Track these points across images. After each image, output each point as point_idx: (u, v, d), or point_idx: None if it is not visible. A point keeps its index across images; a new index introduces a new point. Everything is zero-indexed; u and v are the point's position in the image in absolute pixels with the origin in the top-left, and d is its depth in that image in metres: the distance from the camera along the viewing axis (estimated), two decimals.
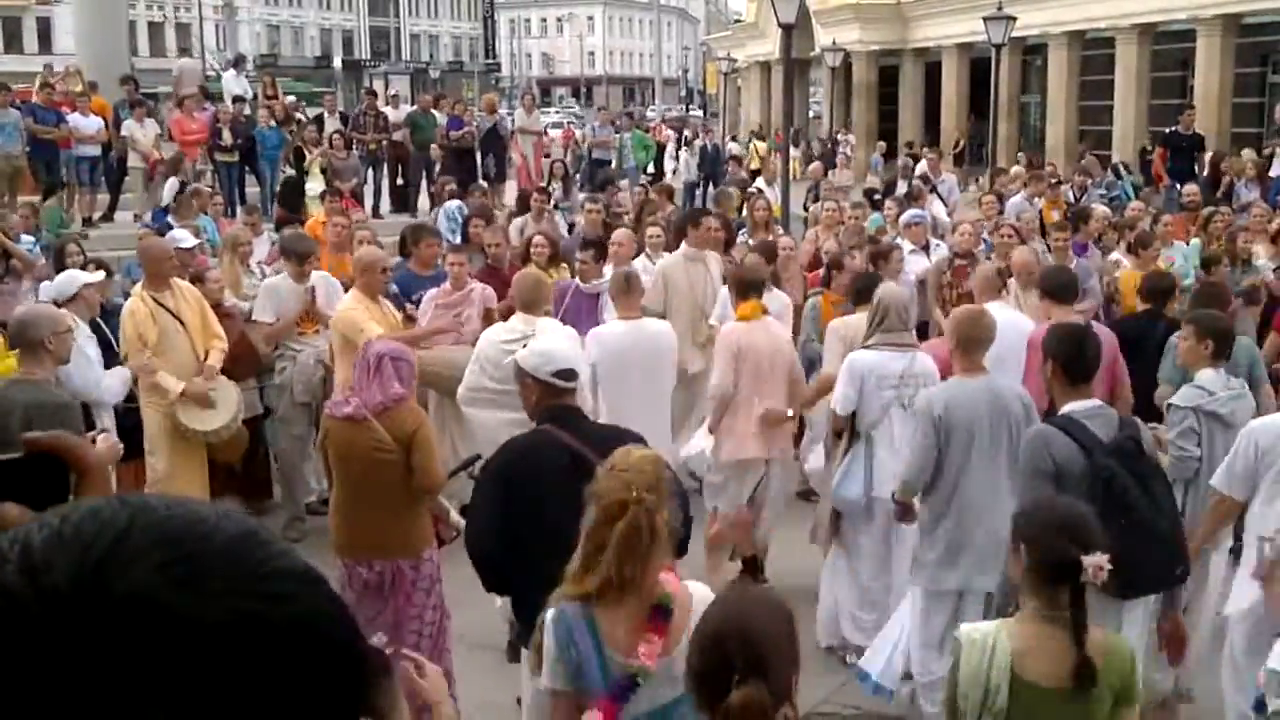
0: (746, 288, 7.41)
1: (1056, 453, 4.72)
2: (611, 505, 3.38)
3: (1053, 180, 16.27)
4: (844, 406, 6.41)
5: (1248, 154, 17.82)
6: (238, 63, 24.91)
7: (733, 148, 28.56)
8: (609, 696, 3.39)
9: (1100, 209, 13.12)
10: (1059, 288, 7.11)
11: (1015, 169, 19.86)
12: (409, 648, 4.68)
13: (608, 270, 8.91)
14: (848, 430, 6.48)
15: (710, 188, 22.63)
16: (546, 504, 4.22)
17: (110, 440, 5.19)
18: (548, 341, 5.26)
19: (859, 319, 7.09)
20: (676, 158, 28.25)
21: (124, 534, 0.78)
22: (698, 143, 26.91)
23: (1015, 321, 7.05)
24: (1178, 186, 16.97)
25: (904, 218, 11.82)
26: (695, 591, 3.53)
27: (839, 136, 33.80)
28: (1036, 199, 14.66)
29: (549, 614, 3.49)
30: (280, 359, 8.56)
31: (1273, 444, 5.06)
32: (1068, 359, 4.95)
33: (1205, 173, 17.88)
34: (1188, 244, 11.62)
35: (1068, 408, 4.90)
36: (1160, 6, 25.14)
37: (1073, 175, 18.59)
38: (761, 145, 28.77)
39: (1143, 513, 4.62)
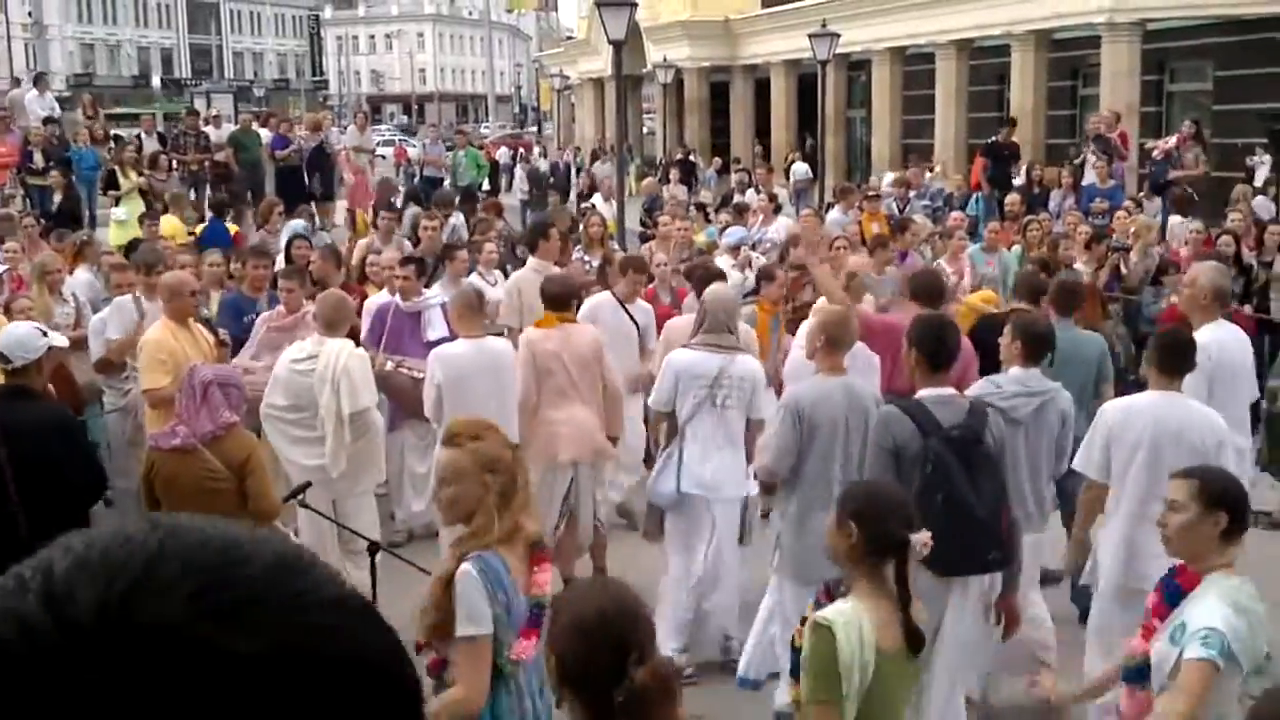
0: (554, 301, 7.49)
1: (897, 432, 5.03)
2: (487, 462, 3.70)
3: (870, 194, 16.68)
4: (658, 403, 6.66)
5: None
6: (38, 81, 23.76)
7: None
8: (529, 626, 3.64)
9: (921, 220, 13.56)
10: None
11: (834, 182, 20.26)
12: None
13: (431, 290, 8.85)
14: (668, 428, 6.68)
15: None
16: None
17: None
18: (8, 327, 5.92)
19: (687, 321, 7.27)
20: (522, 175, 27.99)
21: (153, 561, 0.71)
22: (540, 158, 26.68)
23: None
24: (996, 194, 17.59)
25: (725, 239, 12.00)
26: None
27: (692, 157, 32.57)
28: (851, 211, 15.12)
29: (470, 567, 3.57)
30: (125, 380, 8.17)
31: (1121, 422, 5.39)
32: (929, 349, 5.22)
33: (1023, 182, 18.53)
34: (1009, 250, 12.05)
35: (921, 393, 5.19)
36: (976, 23, 25.98)
37: (894, 188, 19.10)
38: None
39: (961, 496, 4.90)
